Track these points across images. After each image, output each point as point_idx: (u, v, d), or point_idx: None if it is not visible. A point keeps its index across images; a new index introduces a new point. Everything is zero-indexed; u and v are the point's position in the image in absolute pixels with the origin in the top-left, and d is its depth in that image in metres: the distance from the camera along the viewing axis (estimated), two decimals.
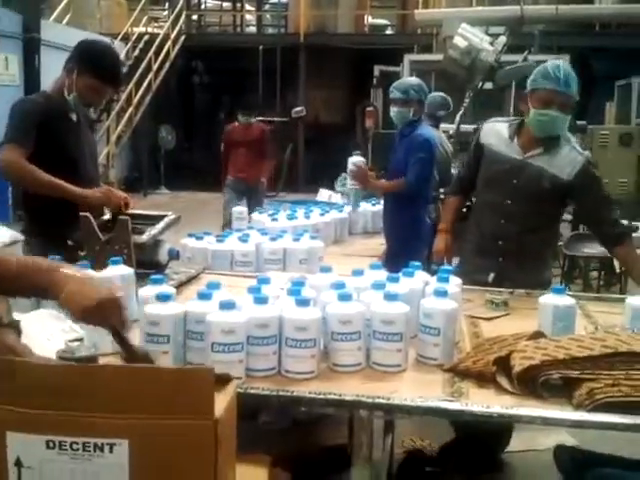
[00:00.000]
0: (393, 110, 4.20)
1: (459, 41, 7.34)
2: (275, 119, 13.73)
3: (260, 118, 8.58)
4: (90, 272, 1.90)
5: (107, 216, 2.73)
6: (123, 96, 13.01)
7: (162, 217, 2.71)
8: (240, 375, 1.71)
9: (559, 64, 2.77)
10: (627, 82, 10.82)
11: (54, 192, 2.75)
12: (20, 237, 3.52)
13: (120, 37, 13.60)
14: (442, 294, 1.92)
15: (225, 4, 18.93)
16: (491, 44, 7.41)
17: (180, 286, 2.52)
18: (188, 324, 1.82)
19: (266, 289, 1.95)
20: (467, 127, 7.70)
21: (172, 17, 14.70)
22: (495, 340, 1.95)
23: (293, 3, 15.51)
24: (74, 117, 2.96)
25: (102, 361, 1.53)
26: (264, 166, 7.30)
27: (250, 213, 4.20)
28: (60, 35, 10.88)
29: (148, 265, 2.50)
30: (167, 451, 1.10)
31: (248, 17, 18.26)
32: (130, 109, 13.27)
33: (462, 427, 2.88)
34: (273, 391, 1.71)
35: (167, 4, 16.41)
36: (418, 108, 4.17)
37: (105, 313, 1.44)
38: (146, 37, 14.39)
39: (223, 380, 1.21)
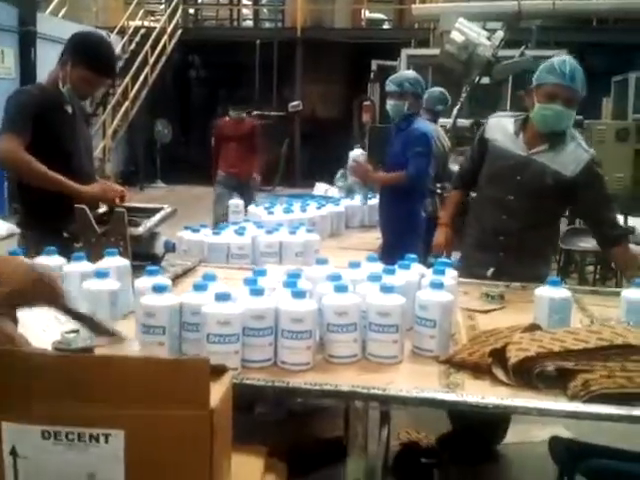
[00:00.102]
0: (389, 103, 4.21)
1: (456, 36, 7.33)
2: (272, 113, 13.72)
3: (257, 112, 8.52)
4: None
5: (103, 208, 2.72)
6: (119, 90, 13.00)
7: (158, 210, 2.72)
8: (236, 366, 1.72)
9: (565, 59, 2.73)
10: (624, 77, 10.81)
11: (50, 185, 2.73)
12: (16, 230, 3.51)
13: (116, 31, 13.58)
14: (438, 286, 1.93)
15: None
16: (488, 39, 7.41)
17: (176, 278, 2.52)
18: (184, 315, 1.82)
19: (262, 281, 1.94)
20: (464, 122, 7.71)
21: (169, 11, 14.65)
22: (491, 332, 1.95)
23: None
24: (69, 109, 2.95)
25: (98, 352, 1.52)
26: (256, 161, 7.25)
27: None
28: (56, 28, 10.84)
29: (144, 257, 2.50)
30: (162, 441, 1.10)
31: (245, 11, 18.18)
32: (126, 103, 13.24)
33: (458, 419, 2.90)
34: (269, 382, 1.71)
35: None
36: (414, 101, 4.17)
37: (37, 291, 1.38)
38: (142, 31, 14.35)
39: (219, 371, 1.21)
